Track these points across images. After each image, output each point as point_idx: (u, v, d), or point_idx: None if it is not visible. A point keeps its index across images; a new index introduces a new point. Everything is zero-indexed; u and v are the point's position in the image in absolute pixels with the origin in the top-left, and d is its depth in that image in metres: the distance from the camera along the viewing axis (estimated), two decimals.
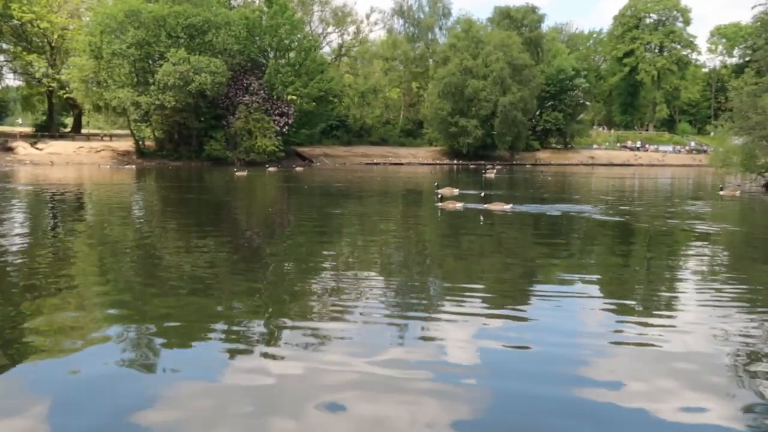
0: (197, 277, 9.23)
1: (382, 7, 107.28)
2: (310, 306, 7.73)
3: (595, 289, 9.01)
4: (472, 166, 60.13)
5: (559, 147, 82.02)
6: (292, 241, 13.57)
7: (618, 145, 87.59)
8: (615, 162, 74.76)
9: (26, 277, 9.25)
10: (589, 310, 7.79)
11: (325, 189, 29.71)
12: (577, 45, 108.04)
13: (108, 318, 7.18)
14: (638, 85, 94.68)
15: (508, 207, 18.51)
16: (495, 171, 49.21)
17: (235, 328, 6.81)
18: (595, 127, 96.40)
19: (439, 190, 23.08)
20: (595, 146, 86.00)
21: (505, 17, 78.57)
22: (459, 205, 18.85)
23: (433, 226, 16.34)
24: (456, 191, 22.77)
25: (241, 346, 6.20)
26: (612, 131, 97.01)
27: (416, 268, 10.35)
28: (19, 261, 10.66)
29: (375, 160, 65.69)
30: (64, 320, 7.01)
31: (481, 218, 16.82)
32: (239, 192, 28.65)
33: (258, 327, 6.81)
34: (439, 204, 19.26)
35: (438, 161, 68.84)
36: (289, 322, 6.92)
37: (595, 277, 9.93)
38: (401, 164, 64.82)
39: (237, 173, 39.34)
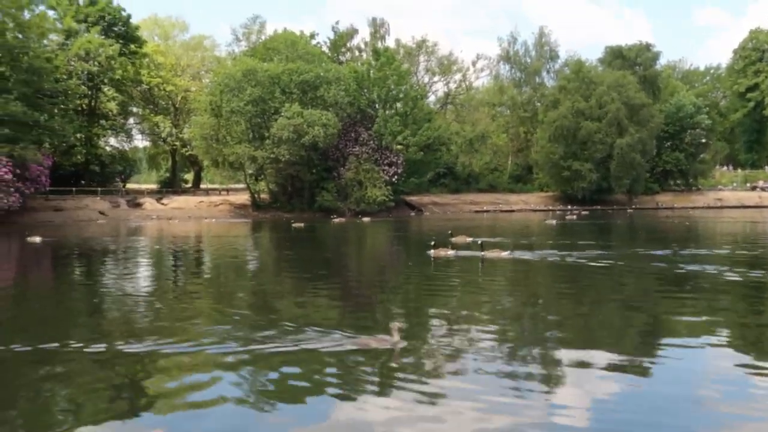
0: (308, 324, 9.21)
1: (488, 54, 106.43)
2: (415, 355, 7.62)
3: (723, 350, 8.07)
4: (580, 211, 57.34)
5: (680, 189, 76.97)
6: (401, 292, 13.50)
7: (747, 185, 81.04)
8: (746, 204, 68.77)
9: (151, 320, 10.01)
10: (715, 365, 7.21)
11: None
12: (693, 82, 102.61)
13: (224, 365, 7.16)
14: (764, 120, 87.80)
15: (505, 254, 18.41)
16: (575, 216, 48.99)
17: (344, 373, 6.88)
18: (717, 167, 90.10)
19: (453, 238, 23.05)
20: (720, 187, 79.99)
21: (617, 57, 75.83)
22: (450, 253, 19.04)
23: (545, 276, 15.07)
24: (469, 239, 22.45)
25: (351, 393, 6.22)
26: (738, 171, 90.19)
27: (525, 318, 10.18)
28: (143, 307, 11.49)
29: (484, 208, 64.19)
30: (183, 362, 7.31)
31: (480, 265, 17.00)
32: (329, 241, 28.38)
33: (371, 376, 6.83)
34: (431, 252, 18.99)
35: (551, 207, 66.27)
36: (401, 374, 6.79)
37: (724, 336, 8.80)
38: (512, 211, 62.92)
39: (294, 225, 39.67)
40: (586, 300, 11.92)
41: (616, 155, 63.43)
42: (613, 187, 65.86)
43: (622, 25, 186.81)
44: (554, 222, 40.75)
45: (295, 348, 7.67)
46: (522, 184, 76.58)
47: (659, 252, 19.55)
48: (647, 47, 76.87)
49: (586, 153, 64.64)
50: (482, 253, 18.39)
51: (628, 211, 60.29)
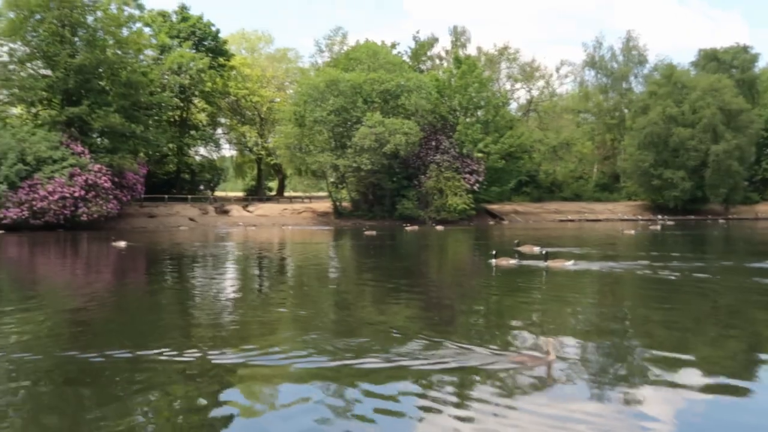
0: (389, 332, 9.27)
1: (572, 60, 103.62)
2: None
3: None
4: (665, 221, 54.57)
5: None
6: (481, 299, 13.30)
7: None
8: None
9: (240, 328, 10.05)
10: None
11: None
12: None
13: (310, 374, 7.20)
14: None
15: (568, 264, 18.03)
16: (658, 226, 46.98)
17: (425, 384, 6.81)
18: None
19: (519, 248, 22.80)
20: None
21: (711, 60, 72.08)
22: (512, 262, 18.98)
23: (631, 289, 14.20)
24: (536, 249, 21.78)
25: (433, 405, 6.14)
26: None
27: (617, 331, 9.81)
28: (232, 314, 11.59)
29: (569, 217, 62.30)
30: (266, 371, 7.31)
31: (544, 275, 16.59)
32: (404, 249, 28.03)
33: (448, 387, 6.76)
34: (493, 261, 18.95)
35: (639, 216, 63.54)
36: (478, 384, 6.81)
37: None
38: (598, 220, 60.74)
39: (366, 232, 40.04)
40: (672, 314, 11.15)
41: (711, 163, 60.22)
42: (708, 196, 62.52)
43: (713, 27, 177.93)
44: (632, 232, 38.94)
45: (421, 365, 7.40)
46: (608, 193, 73.96)
47: (756, 264, 18.28)
48: (744, 49, 72.74)
49: (678, 160, 61.70)
50: (546, 263, 18.12)
51: (720, 221, 57.01)
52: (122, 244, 28.32)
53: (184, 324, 10.57)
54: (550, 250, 20.39)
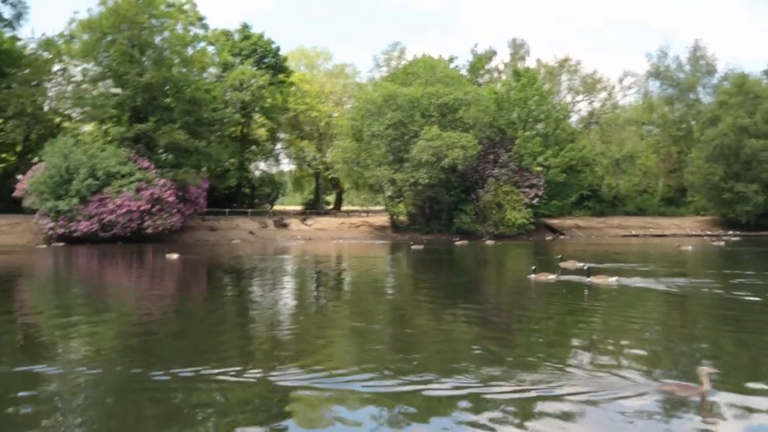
0: (446, 350, 9.12)
1: (635, 71, 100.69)
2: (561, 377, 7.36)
3: None
4: (730, 237, 51.91)
5: None
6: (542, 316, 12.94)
7: None
8: None
9: (300, 346, 9.96)
10: None
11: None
12: None
13: (364, 399, 7.03)
14: None
15: (613, 280, 17.71)
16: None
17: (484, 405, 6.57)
18: None
19: (562, 263, 22.41)
20: None
21: None
22: (551, 277, 18.73)
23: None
24: (579, 264, 21.07)
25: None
26: None
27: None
28: (289, 328, 11.73)
29: (633, 232, 60.28)
30: (329, 394, 7.08)
31: (586, 292, 16.31)
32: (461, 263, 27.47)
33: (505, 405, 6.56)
34: (532, 276, 18.80)
35: (708, 232, 60.90)
36: (539, 404, 6.59)
37: None
38: (664, 236, 58.48)
39: (412, 247, 39.64)
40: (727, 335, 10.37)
41: None
42: None
43: None
44: (690, 248, 37.17)
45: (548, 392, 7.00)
46: (675, 207, 71.33)
47: None
48: None
49: (750, 173, 58.94)
50: (588, 279, 17.85)
51: None
52: (174, 256, 29.12)
53: (244, 341, 10.54)
54: (593, 265, 19.83)
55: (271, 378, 7.53)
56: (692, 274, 20.94)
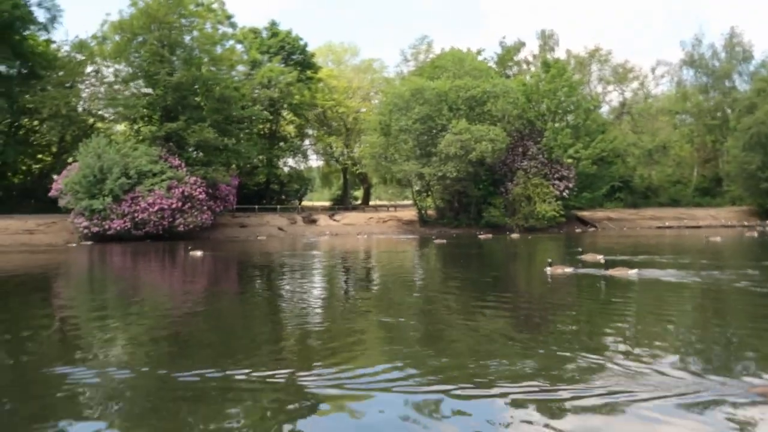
0: (475, 348, 9.11)
1: (668, 60, 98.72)
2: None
3: None
4: (765, 227, 50.46)
5: None
6: (571, 313, 12.62)
7: None
8: None
9: (323, 342, 10.06)
10: None
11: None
12: None
13: (392, 382, 7.32)
14: None
15: (632, 272, 17.60)
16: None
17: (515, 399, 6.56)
18: None
19: (583, 256, 22.72)
20: None
21: None
22: (568, 270, 18.77)
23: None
24: (599, 257, 20.88)
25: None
26: None
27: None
28: (318, 326, 11.68)
29: (666, 223, 59.18)
30: (360, 396, 6.99)
31: (603, 284, 16.33)
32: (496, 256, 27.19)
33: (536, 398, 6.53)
34: (548, 269, 18.77)
35: (745, 222, 59.45)
36: (580, 403, 6.39)
37: None
38: (699, 227, 57.28)
39: (435, 241, 40.42)
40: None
41: None
42: None
43: None
44: (718, 239, 36.30)
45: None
46: (710, 198, 69.84)
47: None
48: None
49: None
50: (605, 271, 17.90)
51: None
52: (199, 253, 29.50)
53: (273, 339, 10.50)
54: (611, 258, 20.25)
55: (301, 379, 7.48)
56: (718, 266, 20.44)
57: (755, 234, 43.27)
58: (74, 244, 40.43)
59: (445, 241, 40.06)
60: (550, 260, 19.48)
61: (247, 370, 7.76)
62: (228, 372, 7.72)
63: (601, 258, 20.53)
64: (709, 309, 13.20)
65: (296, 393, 7.05)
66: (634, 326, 11.13)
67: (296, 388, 7.20)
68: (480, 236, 45.22)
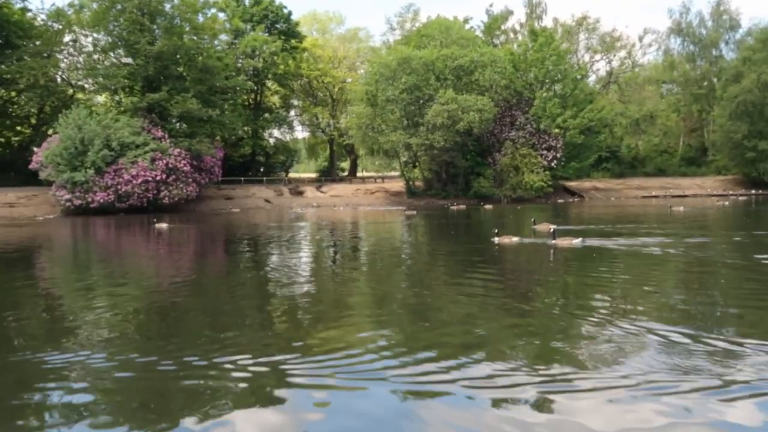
0: (462, 313, 9.20)
1: (656, 28, 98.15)
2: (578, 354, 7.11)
3: None
4: (738, 197, 50.80)
5: None
6: (559, 281, 12.74)
7: None
8: None
9: (308, 304, 10.49)
10: None
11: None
12: None
13: (382, 349, 7.35)
14: None
15: (577, 241, 18.08)
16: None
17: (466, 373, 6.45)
18: None
19: (535, 226, 23.43)
20: None
21: None
22: (515, 240, 19.27)
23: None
24: (552, 227, 20.94)
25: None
26: None
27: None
28: (305, 289, 12.10)
29: (653, 193, 59.39)
30: (350, 384, 6.36)
31: (551, 253, 16.73)
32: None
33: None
34: (496, 239, 19.16)
35: (731, 192, 59.80)
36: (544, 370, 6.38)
37: None
38: (685, 196, 57.54)
39: (406, 212, 40.75)
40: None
41: None
42: None
43: None
44: (681, 209, 36.54)
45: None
46: (696, 167, 70.04)
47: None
48: None
49: None
50: (553, 241, 18.31)
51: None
52: (164, 225, 29.40)
53: (258, 319, 9.66)
54: (560, 228, 21.03)
55: (284, 367, 6.79)
56: (662, 233, 21.25)
57: (726, 203, 43.55)
58: (51, 216, 39.81)
59: (415, 212, 40.55)
60: (496, 230, 19.97)
61: (230, 357, 7.06)
62: (212, 358, 7.03)
63: (552, 228, 20.68)
64: (635, 272, 13.62)
65: (284, 380, 6.44)
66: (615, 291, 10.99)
67: (284, 374, 6.55)
68: (452, 208, 45.10)
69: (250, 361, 6.95)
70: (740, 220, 29.50)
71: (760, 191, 57.47)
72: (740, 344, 7.26)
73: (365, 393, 6.02)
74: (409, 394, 5.95)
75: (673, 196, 57.20)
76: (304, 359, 7.06)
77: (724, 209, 38.09)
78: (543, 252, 17.44)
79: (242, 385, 6.35)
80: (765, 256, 14.72)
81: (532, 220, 25.33)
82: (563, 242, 18.20)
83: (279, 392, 6.16)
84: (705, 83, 72.22)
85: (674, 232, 22.13)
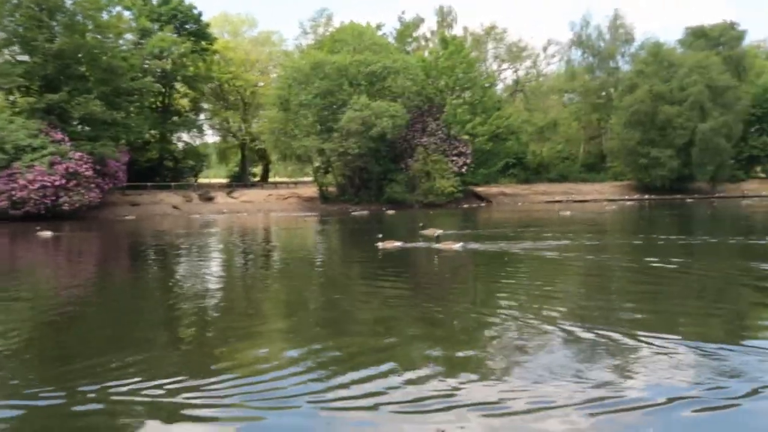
0: (377, 319, 9.41)
1: (559, 39, 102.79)
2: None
3: None
4: (625, 201, 54.51)
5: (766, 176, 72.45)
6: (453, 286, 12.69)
7: None
8: None
9: (222, 316, 10.24)
10: None
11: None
12: None
13: (295, 361, 7.09)
14: None
15: (458, 246, 18.61)
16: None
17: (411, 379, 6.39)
18: None
19: (424, 231, 23.80)
20: None
21: (699, 37, 71.55)
22: (397, 245, 19.68)
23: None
24: (438, 232, 21.92)
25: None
26: None
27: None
28: (216, 301, 11.76)
29: (556, 198, 62.19)
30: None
31: (436, 258, 17.37)
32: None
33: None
34: (379, 244, 19.39)
35: (626, 197, 63.57)
36: (472, 376, 6.43)
37: None
38: (585, 201, 60.61)
39: (306, 219, 39.44)
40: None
41: (698, 141, 60.18)
42: (695, 174, 62.63)
43: (699, 6, 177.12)
44: (568, 213, 39.12)
45: None
46: (595, 173, 73.82)
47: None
48: (731, 26, 72.26)
49: (665, 139, 61.65)
50: (437, 245, 18.92)
51: (713, 201, 56.93)
52: (48, 234, 28.51)
53: (160, 338, 8.85)
54: (443, 233, 21.95)
55: (190, 393, 6.02)
56: (541, 237, 22.47)
57: (614, 207, 46.57)
58: None
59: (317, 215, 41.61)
60: (380, 235, 20.43)
61: (124, 381, 6.27)
62: (104, 385, 6.21)
63: (438, 232, 21.59)
64: (504, 273, 14.61)
65: (186, 413, 5.66)
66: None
67: (176, 407, 5.75)
68: (354, 213, 45.84)
69: (148, 386, 6.16)
70: (618, 224, 31.90)
71: (653, 196, 61.37)
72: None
73: (266, 423, 5.44)
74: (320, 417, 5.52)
75: (575, 201, 60.14)
76: (209, 382, 6.30)
77: (609, 213, 40.53)
78: (426, 256, 18.17)
79: (132, 420, 5.60)
80: (609, 255, 16.36)
81: (420, 224, 26.02)
82: (444, 246, 18.78)
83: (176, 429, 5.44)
84: (603, 93, 76.34)
85: (552, 234, 23.67)
